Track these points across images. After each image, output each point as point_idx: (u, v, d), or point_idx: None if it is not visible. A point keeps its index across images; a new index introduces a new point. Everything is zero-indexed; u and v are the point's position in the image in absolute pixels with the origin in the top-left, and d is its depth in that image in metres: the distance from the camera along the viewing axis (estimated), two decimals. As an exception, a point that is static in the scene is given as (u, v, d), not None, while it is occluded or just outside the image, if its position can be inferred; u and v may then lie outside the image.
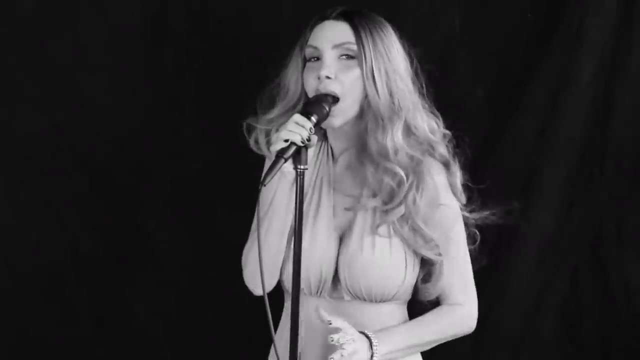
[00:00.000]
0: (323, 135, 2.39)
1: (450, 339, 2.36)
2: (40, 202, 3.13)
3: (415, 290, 2.35)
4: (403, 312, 2.36)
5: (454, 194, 2.33)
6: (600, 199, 3.07)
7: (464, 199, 2.36)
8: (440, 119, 2.37)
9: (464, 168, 2.40)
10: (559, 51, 3.05)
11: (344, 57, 2.27)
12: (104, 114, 3.14)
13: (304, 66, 2.33)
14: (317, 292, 2.30)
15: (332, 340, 2.15)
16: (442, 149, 2.33)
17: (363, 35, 2.27)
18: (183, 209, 3.17)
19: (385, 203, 2.27)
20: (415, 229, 2.26)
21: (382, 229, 2.27)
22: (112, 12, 3.14)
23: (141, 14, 3.15)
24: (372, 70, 2.26)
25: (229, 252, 3.00)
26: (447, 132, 2.37)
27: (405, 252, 2.27)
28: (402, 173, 2.24)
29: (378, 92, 2.25)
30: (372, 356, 2.19)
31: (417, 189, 2.26)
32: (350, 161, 2.34)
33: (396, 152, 2.25)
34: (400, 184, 2.25)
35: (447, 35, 3.09)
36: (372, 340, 2.20)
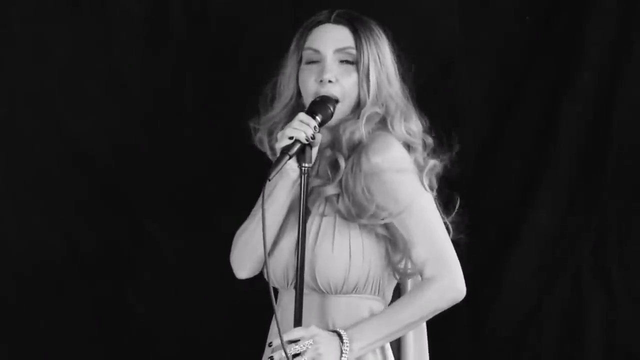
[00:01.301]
0: None
1: (434, 314, 2.26)
2: (40, 202, 3.13)
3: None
4: (369, 307, 2.30)
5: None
6: (601, 198, 3.07)
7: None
8: (422, 124, 2.35)
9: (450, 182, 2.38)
10: (558, 51, 3.06)
11: (344, 61, 2.30)
12: (104, 114, 3.14)
13: (299, 67, 2.35)
14: (286, 284, 2.31)
15: None
16: (418, 154, 2.32)
17: (364, 41, 2.30)
18: (183, 208, 3.17)
19: (324, 184, 2.28)
20: (353, 202, 2.23)
21: (319, 206, 2.28)
22: (112, 13, 3.14)
23: (141, 14, 3.15)
24: (368, 75, 2.29)
25: (229, 251, 3.01)
26: (429, 139, 2.36)
27: (349, 241, 2.26)
28: (342, 163, 2.26)
29: (369, 95, 2.29)
30: (341, 354, 2.19)
31: (352, 169, 2.25)
32: (327, 155, 2.35)
33: (351, 146, 2.26)
34: (337, 170, 2.26)
35: (447, 36, 3.10)
36: (343, 338, 2.18)
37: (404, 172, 2.25)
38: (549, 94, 3.07)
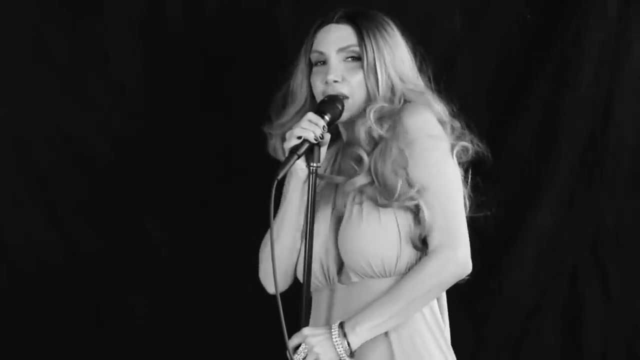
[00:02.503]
0: None
1: (438, 290, 2.21)
2: (40, 202, 3.13)
3: None
4: None
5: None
6: (600, 199, 3.08)
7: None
8: (447, 111, 2.37)
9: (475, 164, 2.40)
10: (558, 51, 3.06)
11: (349, 59, 2.31)
12: (104, 114, 3.14)
13: (310, 70, 2.36)
14: (327, 281, 2.30)
15: None
16: (448, 136, 2.31)
17: (365, 36, 2.30)
18: (183, 208, 3.17)
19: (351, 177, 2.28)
20: (384, 185, 2.22)
21: (354, 197, 2.27)
22: (112, 12, 3.14)
23: (141, 14, 3.15)
24: (375, 70, 2.29)
25: (229, 251, 3.01)
26: (457, 123, 2.36)
27: (396, 220, 2.23)
28: (366, 158, 2.25)
29: (378, 90, 2.28)
30: (335, 348, 2.17)
31: (381, 150, 2.24)
32: (348, 152, 2.35)
33: (371, 141, 2.26)
34: (362, 163, 2.26)
35: (448, 36, 3.10)
36: (332, 330, 2.16)
37: (436, 138, 2.24)
38: (549, 93, 3.07)
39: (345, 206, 2.28)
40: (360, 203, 2.25)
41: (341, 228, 2.26)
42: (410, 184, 2.20)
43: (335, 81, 2.28)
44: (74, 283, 3.15)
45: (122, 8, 3.14)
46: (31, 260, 3.14)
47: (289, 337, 2.16)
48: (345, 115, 2.28)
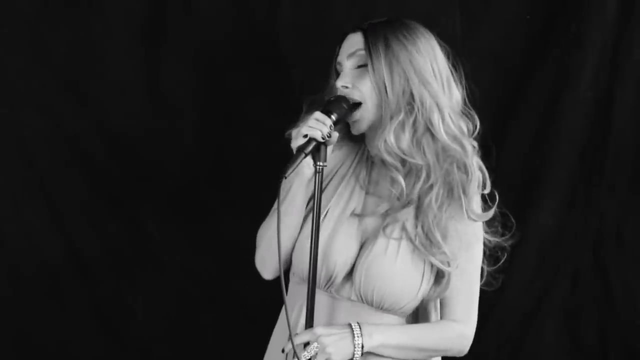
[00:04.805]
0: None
1: (442, 353, 2.36)
2: (40, 202, 3.13)
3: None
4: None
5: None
6: (601, 199, 3.08)
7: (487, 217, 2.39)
8: (471, 123, 2.39)
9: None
10: (558, 51, 3.06)
11: (360, 64, 2.30)
12: (104, 114, 3.14)
13: None
14: (325, 286, 2.30)
15: None
16: (472, 159, 2.35)
17: (372, 41, 2.29)
18: (183, 209, 3.17)
19: (393, 207, 2.30)
20: (427, 235, 2.27)
21: (392, 231, 2.28)
22: (112, 12, 3.14)
23: (141, 14, 3.15)
24: (383, 75, 2.27)
25: (228, 252, 3.01)
26: (474, 142, 2.38)
27: (424, 264, 2.28)
28: (401, 180, 2.26)
29: (388, 95, 2.28)
30: (354, 348, 2.21)
31: (437, 196, 2.27)
32: (381, 168, 2.36)
33: (395, 155, 2.27)
34: (401, 191, 2.26)
35: (448, 36, 3.09)
36: (354, 330, 2.21)
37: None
38: (549, 93, 3.07)
39: (379, 232, 2.30)
40: (399, 239, 2.28)
41: (372, 256, 2.28)
42: (447, 251, 2.28)
43: (345, 87, 2.29)
44: (74, 283, 3.16)
45: (122, 8, 3.13)
46: (31, 260, 3.14)
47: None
48: (364, 123, 2.31)
